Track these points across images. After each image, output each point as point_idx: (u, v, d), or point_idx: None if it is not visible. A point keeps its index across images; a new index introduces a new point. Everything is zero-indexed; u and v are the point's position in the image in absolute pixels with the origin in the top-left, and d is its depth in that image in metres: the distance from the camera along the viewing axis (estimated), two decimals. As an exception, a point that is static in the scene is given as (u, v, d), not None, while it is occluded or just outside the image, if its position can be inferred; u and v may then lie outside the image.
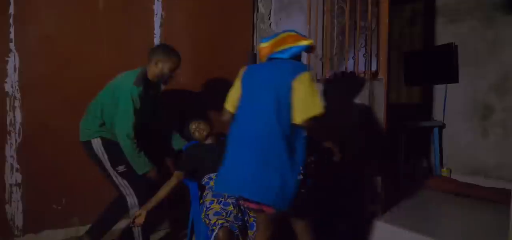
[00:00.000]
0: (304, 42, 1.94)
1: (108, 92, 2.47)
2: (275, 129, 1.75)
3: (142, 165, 2.46)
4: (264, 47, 1.98)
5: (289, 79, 1.77)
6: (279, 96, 1.78)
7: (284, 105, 1.78)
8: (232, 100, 2.01)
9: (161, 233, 2.91)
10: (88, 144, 2.47)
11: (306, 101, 1.76)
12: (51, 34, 2.72)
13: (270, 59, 1.97)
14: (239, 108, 1.95)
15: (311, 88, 1.78)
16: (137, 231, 2.57)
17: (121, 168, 2.46)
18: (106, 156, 2.45)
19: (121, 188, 2.51)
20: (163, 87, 2.80)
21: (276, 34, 2.01)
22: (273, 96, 1.79)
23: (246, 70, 2.01)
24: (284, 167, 1.74)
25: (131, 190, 2.50)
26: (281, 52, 1.93)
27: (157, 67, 2.49)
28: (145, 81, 2.46)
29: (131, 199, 2.52)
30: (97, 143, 2.46)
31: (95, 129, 2.46)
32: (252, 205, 1.86)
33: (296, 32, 1.99)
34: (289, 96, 1.77)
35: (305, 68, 1.84)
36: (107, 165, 2.47)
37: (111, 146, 2.44)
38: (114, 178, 2.49)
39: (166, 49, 2.53)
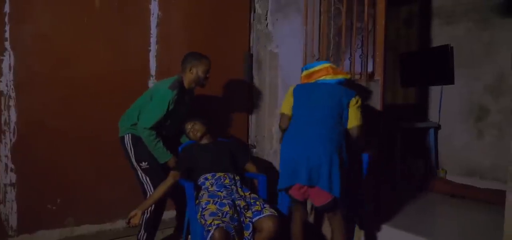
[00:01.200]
0: (343, 76, 2.49)
1: (147, 96, 2.68)
2: (334, 131, 2.23)
3: (161, 154, 2.62)
4: (313, 71, 2.49)
5: (346, 99, 2.32)
6: (336, 109, 2.30)
7: (339, 115, 2.30)
8: (288, 108, 2.46)
9: (158, 234, 2.90)
10: (122, 140, 2.67)
11: (355, 115, 2.32)
12: (46, 33, 2.71)
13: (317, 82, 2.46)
14: (297, 116, 2.37)
15: (357, 107, 2.36)
16: (141, 234, 2.62)
17: (144, 165, 2.63)
18: (132, 151, 2.63)
19: (144, 185, 2.65)
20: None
21: (316, 64, 2.52)
22: (331, 108, 2.30)
23: (296, 87, 2.48)
24: (343, 164, 2.17)
25: (151, 187, 2.61)
26: (329, 80, 2.44)
27: (192, 73, 2.68)
28: (181, 88, 2.64)
29: None
30: (127, 139, 2.65)
31: (128, 127, 2.66)
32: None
33: (331, 65, 2.50)
34: (343, 110, 2.31)
35: (354, 93, 2.37)
36: (133, 159, 2.64)
37: (139, 142, 2.62)
38: (139, 174, 2.65)
39: (196, 54, 2.71)
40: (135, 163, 2.64)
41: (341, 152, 2.18)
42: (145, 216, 2.57)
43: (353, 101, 2.33)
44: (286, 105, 2.48)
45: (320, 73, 2.46)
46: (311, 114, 2.30)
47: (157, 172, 2.62)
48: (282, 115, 2.49)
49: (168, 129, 2.71)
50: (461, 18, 4.00)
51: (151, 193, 2.58)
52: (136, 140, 2.63)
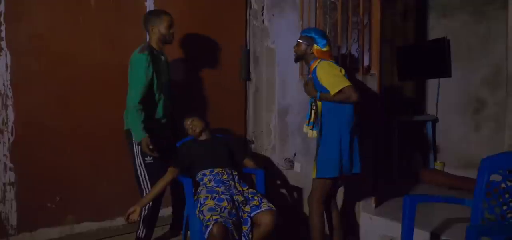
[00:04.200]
0: None
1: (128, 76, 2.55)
2: None
3: (138, 132, 2.47)
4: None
5: None
6: None
7: None
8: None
9: (157, 230, 2.92)
10: (127, 133, 2.59)
11: None
12: (43, 32, 2.71)
13: None
14: None
15: None
16: (140, 230, 2.63)
17: (148, 159, 2.57)
18: (138, 145, 2.54)
19: (141, 181, 2.60)
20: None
21: None
22: None
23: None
24: None
25: (148, 184, 2.57)
26: None
27: (155, 33, 2.60)
28: (151, 50, 2.54)
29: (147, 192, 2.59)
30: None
31: None
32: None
33: None
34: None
35: None
36: (138, 153, 2.57)
37: None
38: (138, 169, 2.58)
39: (154, 12, 2.67)
40: (140, 157, 2.57)
41: None
42: (143, 213, 2.58)
43: None
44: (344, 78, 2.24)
45: None
46: None
47: (157, 169, 2.58)
48: (352, 86, 2.21)
49: (164, 108, 2.65)
50: (457, 11, 4.00)
51: (147, 189, 2.56)
52: None
